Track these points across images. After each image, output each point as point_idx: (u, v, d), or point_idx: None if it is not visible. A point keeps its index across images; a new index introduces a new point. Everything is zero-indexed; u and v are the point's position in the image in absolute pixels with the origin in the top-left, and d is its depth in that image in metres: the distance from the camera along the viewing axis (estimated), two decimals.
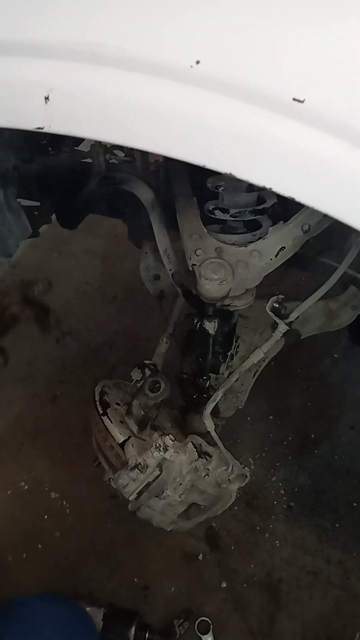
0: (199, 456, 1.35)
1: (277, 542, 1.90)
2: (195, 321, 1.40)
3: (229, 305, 1.29)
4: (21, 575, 1.85)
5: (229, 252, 1.26)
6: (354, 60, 0.56)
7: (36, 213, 1.65)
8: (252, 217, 1.28)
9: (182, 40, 0.60)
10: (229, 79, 0.59)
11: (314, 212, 1.19)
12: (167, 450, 1.30)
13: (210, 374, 1.50)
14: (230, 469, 1.40)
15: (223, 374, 1.52)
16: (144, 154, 1.51)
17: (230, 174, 0.62)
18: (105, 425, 1.35)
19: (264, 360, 1.59)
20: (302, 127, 0.58)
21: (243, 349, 1.56)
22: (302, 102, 0.55)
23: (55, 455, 2.16)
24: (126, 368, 1.53)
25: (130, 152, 1.55)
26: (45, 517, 2.00)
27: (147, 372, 1.46)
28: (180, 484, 1.33)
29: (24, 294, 1.22)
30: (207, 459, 1.37)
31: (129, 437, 1.33)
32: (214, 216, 1.30)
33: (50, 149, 1.68)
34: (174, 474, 1.32)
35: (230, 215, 1.27)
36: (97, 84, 0.64)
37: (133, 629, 1.63)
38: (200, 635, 1.68)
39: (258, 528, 1.94)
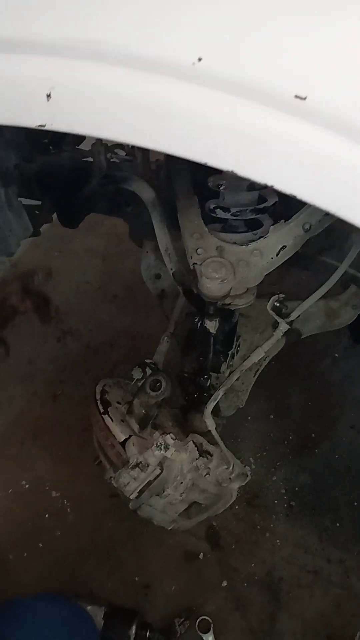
0: (200, 455, 1.35)
1: (277, 541, 1.90)
2: (196, 320, 1.40)
3: (229, 304, 1.29)
4: (22, 574, 1.85)
5: (230, 251, 1.26)
6: (356, 58, 0.55)
7: (37, 212, 1.65)
8: (253, 216, 1.28)
9: (184, 38, 0.60)
10: (231, 76, 0.59)
11: (315, 210, 1.20)
12: (168, 448, 1.30)
13: (211, 373, 1.50)
14: (231, 467, 1.40)
15: (224, 373, 1.52)
16: (145, 153, 1.51)
17: (232, 171, 0.62)
18: (106, 424, 1.35)
19: (264, 359, 1.59)
20: (303, 125, 0.57)
21: (244, 348, 1.56)
22: (304, 99, 0.55)
23: (56, 454, 2.16)
24: (127, 367, 1.52)
25: (131, 151, 1.55)
26: (46, 516, 2.00)
27: (148, 371, 1.46)
28: (181, 482, 1.34)
29: (23, 285, 1.22)
30: (208, 458, 1.37)
31: (130, 436, 1.33)
32: (215, 215, 1.30)
33: (51, 147, 1.68)
34: (174, 472, 1.32)
35: (231, 214, 1.27)
36: (99, 82, 0.64)
37: (134, 627, 1.63)
38: (200, 634, 1.68)
39: (259, 527, 1.94)
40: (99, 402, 1.40)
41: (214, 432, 1.44)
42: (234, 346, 1.52)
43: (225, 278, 1.21)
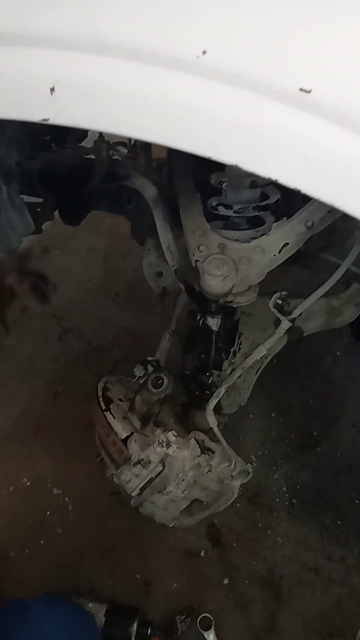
0: (202, 452, 1.36)
1: (279, 539, 1.91)
2: (198, 318, 1.40)
3: (232, 301, 1.29)
4: (23, 571, 1.86)
5: (232, 248, 1.26)
6: None
7: (39, 209, 1.65)
8: (256, 213, 1.28)
9: (189, 31, 0.60)
10: (236, 69, 0.58)
11: (317, 208, 1.19)
12: (170, 446, 1.30)
13: (212, 371, 1.50)
14: (233, 465, 1.40)
15: (225, 371, 1.52)
16: (147, 150, 1.51)
17: (237, 165, 0.61)
18: (108, 421, 1.35)
19: (266, 357, 1.59)
20: (308, 118, 0.57)
21: (246, 346, 1.56)
22: (308, 92, 0.55)
23: (57, 452, 2.16)
24: (128, 365, 1.53)
25: (133, 148, 1.55)
26: (47, 513, 2.00)
27: (150, 368, 1.46)
28: (183, 479, 1.34)
29: (19, 263, 1.21)
30: (209, 455, 1.37)
31: (132, 433, 1.33)
32: (217, 212, 1.30)
33: (53, 145, 1.68)
34: (176, 469, 1.32)
35: (233, 212, 1.28)
36: (103, 75, 0.63)
37: (135, 625, 1.63)
38: (202, 631, 1.68)
39: (260, 525, 1.94)
40: (100, 399, 1.41)
41: (215, 429, 1.44)
42: (235, 344, 1.53)
43: (228, 275, 1.21)
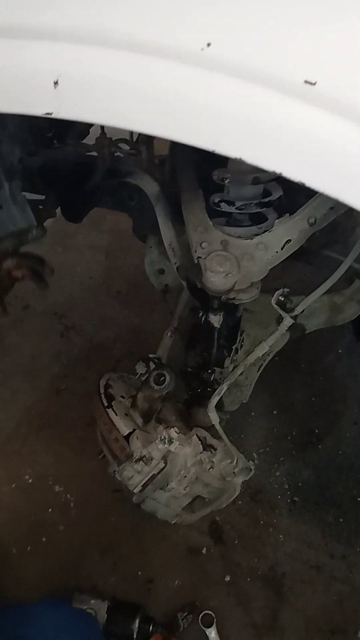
0: (204, 449, 1.36)
1: (280, 536, 1.91)
2: (200, 315, 1.40)
3: (234, 298, 1.29)
4: (25, 569, 1.86)
5: (234, 244, 1.26)
6: None
7: (41, 206, 1.65)
8: (258, 210, 1.28)
9: (193, 23, 0.59)
10: (240, 61, 0.58)
11: (320, 204, 1.19)
12: (172, 442, 1.30)
13: (214, 368, 1.50)
14: (235, 462, 1.40)
15: (228, 368, 1.52)
16: (149, 147, 1.50)
17: (240, 158, 0.61)
18: (110, 418, 1.35)
19: (268, 354, 1.59)
20: (313, 111, 0.57)
21: (248, 343, 1.56)
22: (313, 84, 0.55)
23: (59, 449, 2.16)
24: (130, 362, 1.53)
25: (135, 145, 1.55)
26: (49, 510, 2.00)
27: (152, 365, 1.46)
28: (185, 476, 1.34)
29: (15, 246, 1.20)
30: (211, 452, 1.37)
31: (134, 430, 1.33)
32: (219, 209, 1.29)
33: (55, 142, 1.67)
34: (178, 466, 1.32)
35: (236, 208, 1.27)
36: (107, 69, 0.63)
37: (137, 622, 1.64)
38: (203, 628, 1.68)
39: (262, 522, 1.94)
40: (102, 396, 1.40)
41: (217, 426, 1.44)
42: (237, 341, 1.52)
43: (230, 272, 1.21)
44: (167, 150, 1.52)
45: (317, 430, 2.18)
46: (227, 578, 1.82)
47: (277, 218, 1.25)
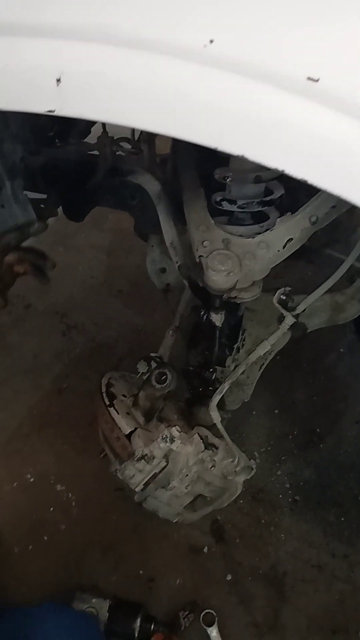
0: (206, 448, 1.36)
1: (282, 535, 1.91)
2: (201, 314, 1.40)
3: (235, 297, 1.29)
4: (26, 567, 1.86)
5: (236, 243, 1.26)
6: None
7: (42, 205, 1.65)
8: (260, 209, 1.27)
9: (195, 20, 0.59)
10: (243, 58, 0.58)
11: (322, 203, 1.19)
12: (174, 441, 1.30)
13: (216, 367, 1.50)
14: (236, 460, 1.40)
15: (229, 367, 1.52)
16: (151, 146, 1.50)
17: (243, 155, 0.61)
18: (111, 417, 1.35)
19: (270, 353, 1.59)
20: (316, 107, 0.57)
21: (249, 342, 1.56)
22: (316, 81, 0.55)
23: (61, 448, 2.17)
24: (132, 361, 1.53)
25: (136, 144, 1.55)
26: (51, 509, 2.00)
27: (153, 364, 1.46)
28: (187, 475, 1.34)
29: (18, 240, 1.20)
30: (213, 451, 1.37)
31: (136, 429, 1.33)
32: (221, 207, 1.29)
33: (57, 141, 1.67)
34: (180, 465, 1.33)
35: (237, 207, 1.27)
36: (109, 66, 0.63)
37: (138, 620, 1.64)
38: (205, 627, 1.69)
39: (263, 521, 1.94)
40: (104, 394, 1.41)
41: (219, 425, 1.44)
42: (239, 340, 1.52)
43: (232, 270, 1.21)
44: (168, 149, 1.52)
45: (318, 430, 2.18)
46: (229, 577, 1.82)
47: (279, 217, 1.25)
